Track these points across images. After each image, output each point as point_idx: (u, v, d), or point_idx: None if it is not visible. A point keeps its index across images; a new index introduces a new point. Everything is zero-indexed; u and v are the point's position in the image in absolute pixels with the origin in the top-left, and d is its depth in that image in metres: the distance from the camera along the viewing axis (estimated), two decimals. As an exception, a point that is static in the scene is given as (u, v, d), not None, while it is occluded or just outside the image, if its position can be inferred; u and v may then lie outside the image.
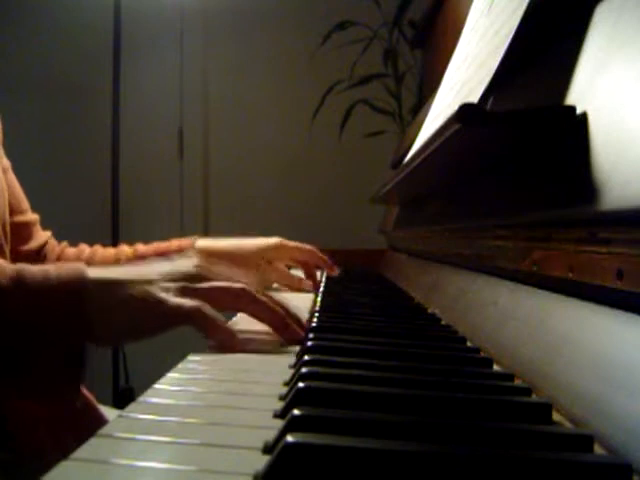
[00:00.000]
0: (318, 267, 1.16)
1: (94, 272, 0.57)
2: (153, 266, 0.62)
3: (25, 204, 0.99)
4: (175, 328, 0.58)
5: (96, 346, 0.56)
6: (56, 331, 0.54)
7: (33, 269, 0.56)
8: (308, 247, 1.13)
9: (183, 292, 0.58)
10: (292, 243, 1.11)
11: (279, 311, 0.62)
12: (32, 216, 1.00)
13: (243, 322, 0.68)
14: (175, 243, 1.05)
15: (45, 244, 1.01)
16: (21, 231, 0.95)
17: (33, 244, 0.98)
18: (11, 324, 0.53)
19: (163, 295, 0.57)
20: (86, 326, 0.54)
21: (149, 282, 0.58)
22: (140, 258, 1.00)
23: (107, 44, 2.31)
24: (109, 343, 0.59)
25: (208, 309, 0.57)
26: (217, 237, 1.09)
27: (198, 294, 0.59)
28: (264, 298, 0.62)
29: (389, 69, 2.33)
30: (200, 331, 0.57)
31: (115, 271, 0.59)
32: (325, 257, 1.15)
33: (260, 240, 1.08)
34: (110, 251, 1.06)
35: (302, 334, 0.61)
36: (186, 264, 0.63)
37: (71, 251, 1.06)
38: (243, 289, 0.61)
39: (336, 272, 1.16)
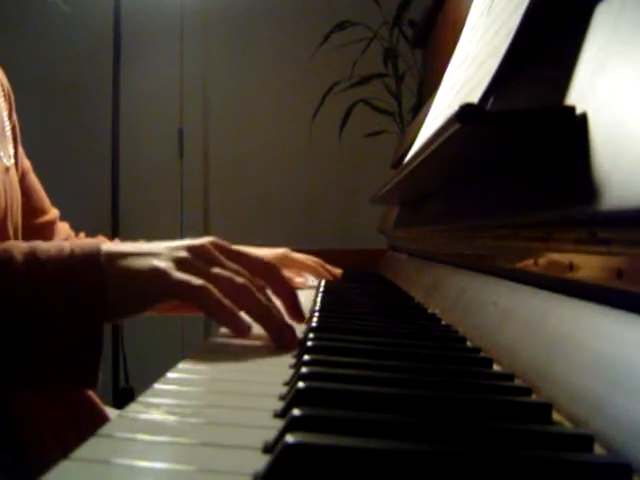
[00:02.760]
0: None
1: (106, 246, 0.57)
2: (168, 242, 0.62)
3: (47, 202, 1.00)
4: (176, 301, 0.58)
5: (110, 318, 0.56)
6: (72, 305, 0.53)
7: (47, 245, 0.56)
8: (314, 261, 1.13)
9: (185, 267, 0.57)
10: (298, 255, 1.11)
11: (275, 315, 0.59)
12: (54, 212, 1.01)
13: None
14: None
15: (66, 239, 1.02)
16: (45, 230, 0.97)
17: (57, 240, 0.99)
18: (25, 300, 0.52)
19: (167, 266, 0.56)
20: (100, 294, 0.54)
21: (156, 254, 0.58)
22: None
23: (107, 44, 2.31)
24: (119, 315, 0.58)
25: (215, 290, 0.56)
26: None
27: (199, 272, 0.57)
28: (264, 299, 0.59)
29: (389, 69, 2.33)
30: (205, 310, 0.57)
31: (125, 245, 0.60)
32: (330, 270, 1.14)
33: (267, 250, 1.08)
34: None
35: (291, 338, 0.58)
36: (201, 239, 0.62)
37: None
38: (244, 285, 0.58)
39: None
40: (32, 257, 0.54)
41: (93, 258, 0.55)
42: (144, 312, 0.58)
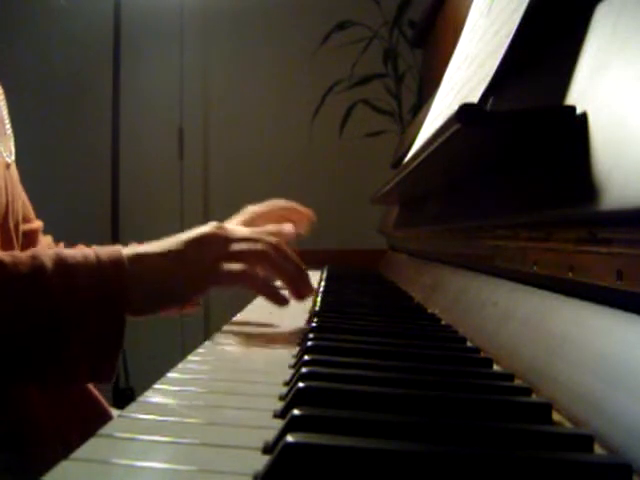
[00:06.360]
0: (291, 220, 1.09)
1: (128, 250, 0.61)
2: (176, 238, 0.66)
3: (31, 212, 0.99)
4: (221, 288, 0.66)
5: (134, 316, 0.61)
6: (97, 304, 0.57)
7: (71, 251, 0.60)
8: (280, 207, 1.06)
9: (213, 258, 0.64)
10: (262, 209, 1.06)
11: (294, 272, 0.69)
12: (37, 223, 1.00)
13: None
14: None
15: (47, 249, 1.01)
16: (28, 238, 0.96)
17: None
18: (55, 301, 0.56)
19: (194, 264, 0.63)
20: (125, 299, 0.58)
21: (178, 252, 0.63)
22: None
23: (107, 44, 2.31)
24: (147, 313, 0.63)
25: (252, 270, 0.65)
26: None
27: (229, 258, 0.65)
28: (281, 257, 0.68)
29: (389, 69, 2.33)
30: (251, 289, 0.67)
31: (145, 247, 0.64)
32: (300, 211, 1.05)
33: (235, 219, 1.04)
34: None
35: (311, 293, 0.70)
36: (205, 228, 0.68)
37: None
38: (264, 250, 0.67)
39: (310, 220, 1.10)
40: (61, 263, 0.57)
41: (118, 264, 0.59)
42: (181, 304, 0.65)
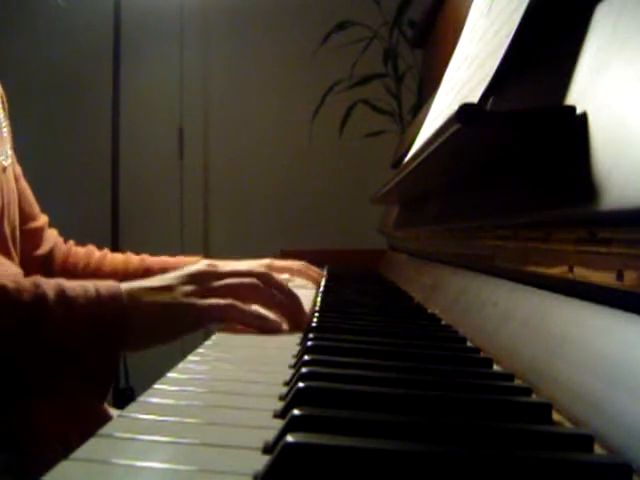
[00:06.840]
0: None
1: (125, 285, 0.63)
2: (169, 274, 0.68)
3: (36, 208, 0.99)
4: (209, 325, 0.66)
5: (128, 351, 0.62)
6: (95, 335, 0.58)
7: (72, 283, 0.61)
8: (297, 265, 1.14)
9: (204, 293, 0.65)
10: (281, 263, 1.14)
11: (287, 302, 0.69)
12: (43, 219, 1.01)
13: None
14: (182, 259, 1.07)
15: (54, 245, 1.01)
16: (34, 237, 0.96)
17: (45, 247, 0.99)
18: (55, 330, 0.57)
19: (186, 299, 0.63)
20: (122, 333, 0.59)
21: (170, 288, 0.64)
22: (146, 269, 1.04)
23: (107, 44, 2.31)
24: (140, 348, 0.64)
25: (239, 304, 0.64)
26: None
27: (218, 292, 0.65)
28: (272, 288, 0.69)
29: (389, 69, 2.33)
30: (240, 324, 0.66)
31: (140, 283, 0.65)
32: (316, 272, 1.16)
33: (253, 262, 1.10)
34: (118, 257, 1.07)
35: (306, 322, 0.67)
36: (196, 265, 0.70)
37: (81, 251, 1.06)
38: (253, 283, 0.68)
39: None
40: (62, 294, 0.59)
41: (117, 299, 0.60)
42: (173, 341, 0.65)
